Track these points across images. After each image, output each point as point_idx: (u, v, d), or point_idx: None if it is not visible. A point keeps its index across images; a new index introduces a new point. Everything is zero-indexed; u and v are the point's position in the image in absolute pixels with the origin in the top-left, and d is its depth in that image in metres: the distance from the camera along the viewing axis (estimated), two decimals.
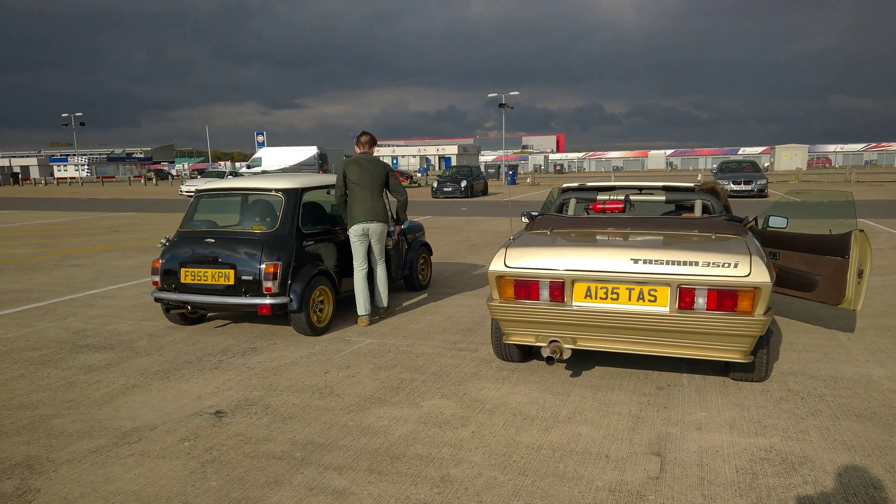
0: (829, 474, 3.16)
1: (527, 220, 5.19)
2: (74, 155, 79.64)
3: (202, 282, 5.66)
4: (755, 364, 4.27)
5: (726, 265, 3.86)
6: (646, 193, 5.35)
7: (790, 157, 62.28)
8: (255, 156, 44.34)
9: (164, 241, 6.09)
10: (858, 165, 73.59)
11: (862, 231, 4.84)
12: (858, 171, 48.15)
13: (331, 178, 6.63)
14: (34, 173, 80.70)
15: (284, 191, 5.85)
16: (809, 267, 5.06)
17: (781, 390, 4.28)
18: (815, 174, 53.08)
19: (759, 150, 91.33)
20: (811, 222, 6.13)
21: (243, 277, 5.52)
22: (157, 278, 5.91)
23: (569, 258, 4.19)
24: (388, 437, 3.66)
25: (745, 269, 3.82)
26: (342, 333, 5.88)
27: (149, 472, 3.31)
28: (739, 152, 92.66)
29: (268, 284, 5.45)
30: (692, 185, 5.17)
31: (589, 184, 5.54)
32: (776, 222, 5.41)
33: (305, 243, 5.81)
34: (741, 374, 4.38)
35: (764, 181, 24.25)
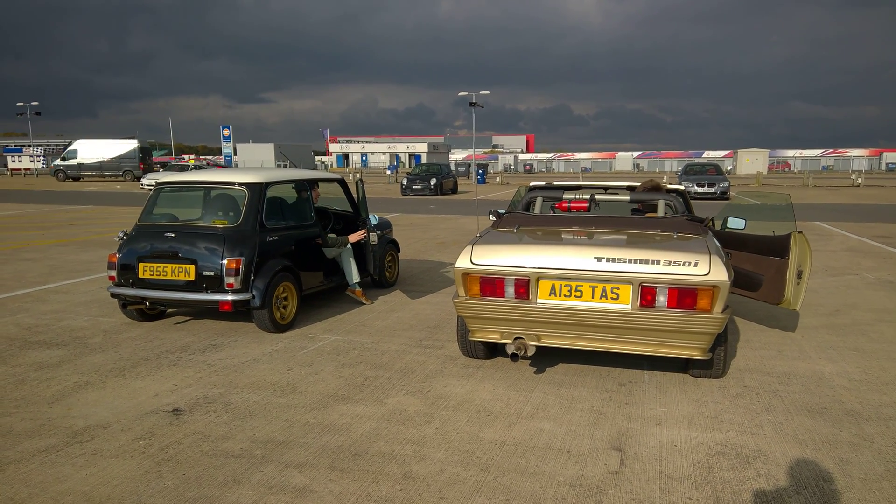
0: (782, 467, 3.24)
1: (494, 219, 5.20)
2: (30, 146, 77.19)
3: (161, 277, 5.54)
4: (713, 361, 4.34)
5: (687, 264, 3.91)
6: (610, 193, 5.41)
7: (752, 161, 63.67)
8: (71, 147, 43.96)
9: (121, 234, 5.94)
10: (816, 170, 75.64)
11: (801, 233, 4.96)
12: (816, 176, 49.56)
13: (296, 174, 6.56)
14: None
15: (248, 185, 5.75)
16: (755, 267, 5.18)
17: (738, 386, 4.37)
18: (775, 178, 54.38)
19: (722, 153, 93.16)
20: (758, 224, 6.28)
21: (204, 273, 5.41)
22: (113, 273, 5.76)
23: (534, 256, 4.20)
24: (350, 435, 3.62)
25: (704, 268, 3.89)
26: (306, 330, 5.81)
27: (101, 471, 3.22)
28: (704, 155, 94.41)
29: (230, 280, 5.36)
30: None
31: (555, 183, 5.58)
32: (734, 223, 5.51)
33: (269, 238, 5.72)
34: (700, 371, 4.46)
35: (726, 184, 24.78)
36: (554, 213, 5.27)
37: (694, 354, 4.10)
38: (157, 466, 3.26)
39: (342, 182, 7.17)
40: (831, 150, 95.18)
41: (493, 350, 5.01)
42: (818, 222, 15.82)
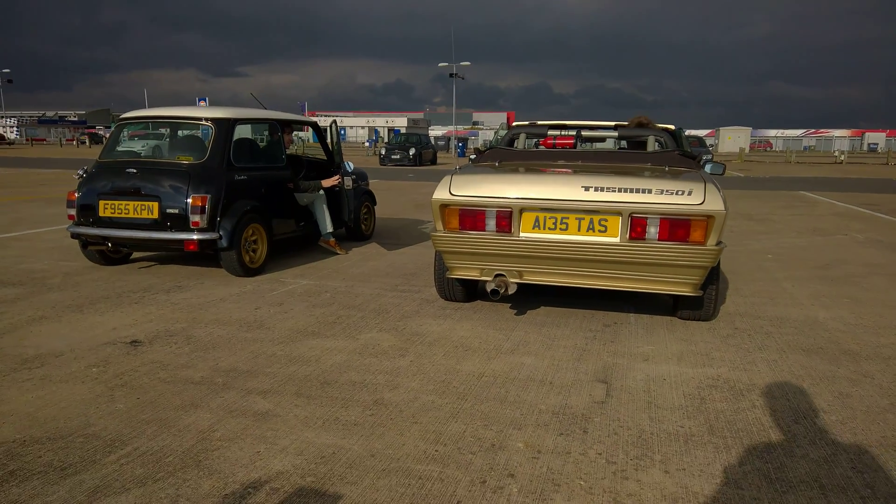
0: (778, 400, 3.06)
1: (475, 156, 4.95)
2: (3, 117, 75.23)
3: (123, 215, 5.22)
4: (703, 301, 4.15)
5: (680, 193, 3.70)
6: (598, 130, 5.18)
7: (734, 139, 63.77)
8: None
9: (81, 171, 5.61)
10: (798, 150, 75.91)
11: None
12: (798, 154, 49.77)
13: (267, 113, 6.24)
14: None
15: (215, 120, 5.42)
16: None
17: (728, 328, 4.20)
18: (757, 156, 54.56)
19: (704, 132, 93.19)
20: None
21: (168, 211, 5.11)
22: (73, 212, 5.44)
23: (517, 187, 3.96)
24: (319, 366, 3.39)
25: (699, 197, 3.67)
26: (277, 276, 5.55)
27: (48, 395, 2.96)
28: (686, 133, 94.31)
29: (195, 218, 5.06)
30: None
31: (539, 122, 5.33)
32: (714, 168, 5.26)
33: (237, 178, 5.41)
34: (689, 313, 4.27)
35: (709, 155, 24.64)
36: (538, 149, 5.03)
37: (685, 291, 3.90)
38: (109, 391, 3.01)
39: (315, 126, 6.86)
40: (813, 131, 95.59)
41: (472, 294, 4.79)
42: (803, 192, 15.77)
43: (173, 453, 2.44)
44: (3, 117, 75.35)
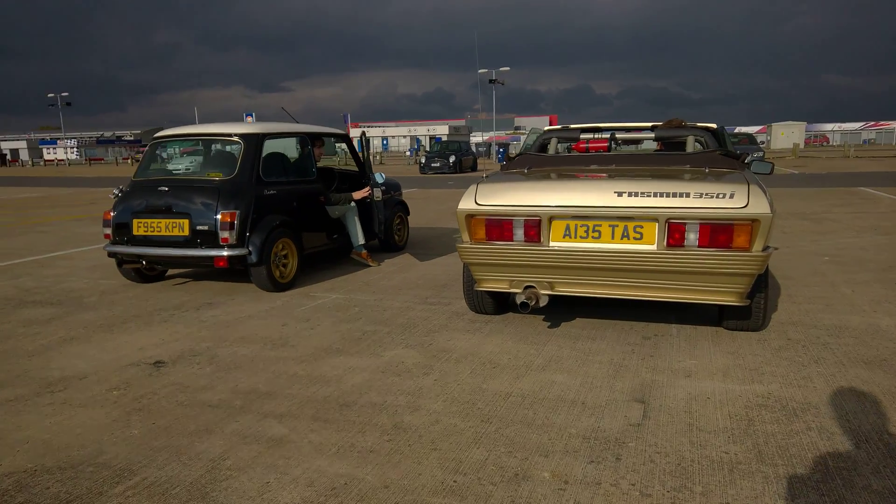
0: (836, 421, 2.78)
1: (505, 162, 4.78)
2: (64, 138, 78.63)
3: (155, 233, 5.24)
4: (752, 310, 3.87)
5: (721, 196, 3.44)
6: (633, 132, 4.94)
7: (787, 135, 61.53)
8: None
9: (116, 191, 5.66)
10: (857, 144, 72.61)
11: None
12: (857, 148, 47.64)
13: (296, 127, 6.20)
14: (24, 156, 79.67)
15: (244, 136, 5.40)
16: None
17: (780, 339, 3.90)
18: (812, 151, 52.55)
19: (755, 128, 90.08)
20: None
21: (199, 227, 5.09)
22: (109, 231, 5.48)
23: (546, 194, 3.77)
24: (339, 386, 3.26)
25: (742, 200, 3.42)
26: (307, 290, 5.47)
27: (66, 420, 2.92)
28: (735, 131, 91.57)
29: (224, 234, 5.03)
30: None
31: (572, 126, 5.12)
32: (761, 167, 4.94)
33: (267, 192, 5.37)
34: (736, 323, 3.99)
35: (760, 153, 23.79)
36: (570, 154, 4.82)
37: (730, 300, 3.64)
38: (126, 416, 2.95)
39: (346, 138, 6.80)
40: (872, 123, 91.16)
41: (504, 305, 4.61)
42: (863, 188, 15.00)
43: (181, 484, 2.34)
44: (63, 139, 78.70)
